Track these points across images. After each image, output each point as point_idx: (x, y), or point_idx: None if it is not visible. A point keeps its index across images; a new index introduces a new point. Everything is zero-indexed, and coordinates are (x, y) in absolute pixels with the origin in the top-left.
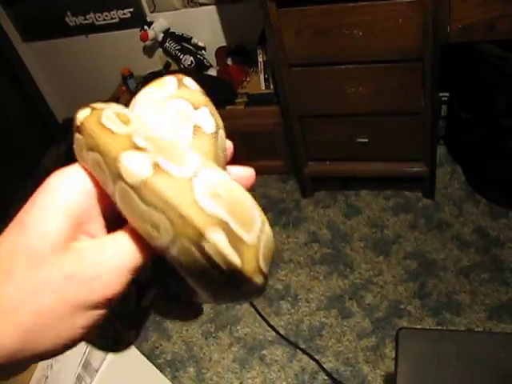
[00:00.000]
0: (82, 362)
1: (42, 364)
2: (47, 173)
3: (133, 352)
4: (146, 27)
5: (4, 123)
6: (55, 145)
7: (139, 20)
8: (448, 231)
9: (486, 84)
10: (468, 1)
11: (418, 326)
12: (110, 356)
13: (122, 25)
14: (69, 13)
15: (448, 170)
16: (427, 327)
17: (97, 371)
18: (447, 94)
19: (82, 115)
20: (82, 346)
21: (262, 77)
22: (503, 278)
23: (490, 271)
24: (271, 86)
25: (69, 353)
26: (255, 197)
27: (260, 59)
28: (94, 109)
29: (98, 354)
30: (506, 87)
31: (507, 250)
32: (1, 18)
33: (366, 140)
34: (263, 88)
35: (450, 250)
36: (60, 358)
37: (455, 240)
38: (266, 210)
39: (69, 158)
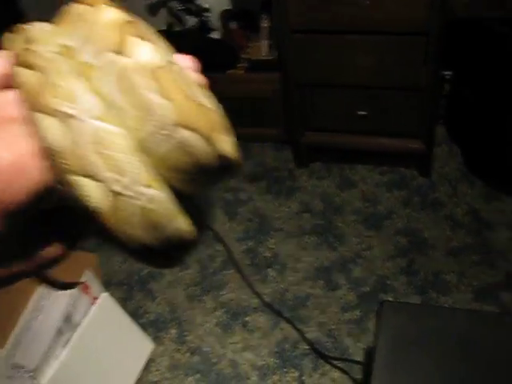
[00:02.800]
0: (64, 315)
1: (26, 315)
2: None
3: (116, 309)
4: None
5: None
6: None
7: None
8: (441, 211)
9: (492, 63)
10: None
11: None
12: (93, 311)
13: None
14: None
15: (446, 149)
16: None
17: (77, 326)
18: (450, 73)
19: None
20: (64, 298)
21: (264, 42)
22: (491, 261)
23: (480, 253)
24: (274, 53)
25: (51, 304)
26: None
27: (264, 24)
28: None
29: (80, 308)
30: None
31: (498, 234)
32: None
33: (366, 113)
34: (265, 54)
35: (442, 230)
36: (44, 308)
37: (447, 220)
38: (259, 177)
39: None
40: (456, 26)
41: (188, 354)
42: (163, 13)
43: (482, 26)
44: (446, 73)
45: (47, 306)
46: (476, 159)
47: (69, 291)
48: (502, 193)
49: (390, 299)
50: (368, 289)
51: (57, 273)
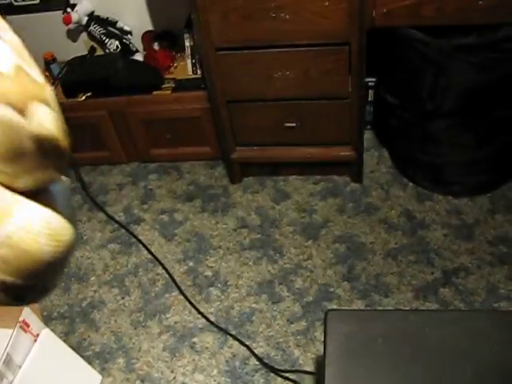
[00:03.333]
0: (4, 358)
1: None
2: None
3: (59, 345)
4: (69, 10)
5: None
6: None
7: (62, 2)
8: (376, 215)
9: (411, 69)
10: None
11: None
12: (34, 349)
13: (44, 7)
14: None
15: (375, 154)
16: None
17: (19, 367)
18: (374, 79)
19: None
20: (3, 339)
21: (189, 62)
22: (428, 259)
23: (417, 253)
24: (198, 71)
25: None
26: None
27: (187, 44)
28: None
29: (21, 347)
30: (430, 72)
31: (432, 232)
32: None
33: (294, 124)
34: (190, 73)
35: (378, 233)
36: None
37: (383, 223)
38: (194, 196)
39: None
40: (376, 34)
41: (138, 382)
42: (84, 37)
43: (399, 33)
44: (370, 79)
45: None
46: (405, 161)
47: (4, 331)
48: (433, 192)
49: (335, 307)
50: (311, 298)
51: None
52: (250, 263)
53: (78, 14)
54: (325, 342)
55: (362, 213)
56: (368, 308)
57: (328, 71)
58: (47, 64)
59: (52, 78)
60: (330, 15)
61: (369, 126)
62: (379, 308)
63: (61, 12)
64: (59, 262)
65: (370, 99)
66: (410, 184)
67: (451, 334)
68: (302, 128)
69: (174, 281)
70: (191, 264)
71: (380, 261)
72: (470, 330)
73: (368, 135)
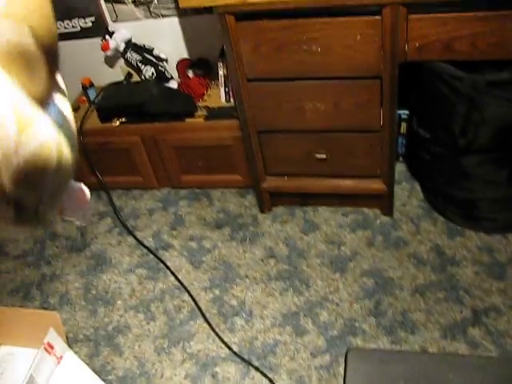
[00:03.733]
0: (27, 379)
1: None
2: None
3: (82, 368)
4: (107, 37)
5: None
6: None
7: (101, 29)
8: (405, 249)
9: (443, 103)
10: (425, 20)
11: (372, 345)
12: (57, 371)
13: (83, 34)
14: None
15: (406, 187)
16: (381, 346)
17: None
18: (407, 112)
19: None
20: (27, 360)
21: (222, 90)
22: (458, 297)
23: (445, 290)
24: (231, 100)
25: (13, 368)
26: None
27: (220, 72)
28: None
29: (44, 369)
30: (462, 107)
31: (463, 269)
32: None
33: (325, 156)
34: (223, 101)
35: (407, 268)
36: (6, 372)
37: (412, 258)
38: (223, 224)
39: None
40: (409, 67)
41: None
42: (120, 63)
43: (431, 67)
44: (403, 112)
45: (8, 369)
46: (436, 196)
47: (29, 351)
48: (465, 228)
49: (360, 343)
50: (336, 332)
51: (19, 334)
52: (276, 294)
53: (116, 41)
54: (344, 382)
55: (391, 247)
56: (394, 346)
57: (359, 104)
58: (84, 89)
59: (88, 103)
60: (362, 49)
61: (401, 158)
62: (406, 346)
63: (99, 39)
64: (57, 181)
65: (402, 131)
66: (441, 219)
67: (478, 381)
68: (332, 159)
69: (199, 308)
70: (217, 292)
71: (407, 297)
72: (499, 379)
73: (400, 167)
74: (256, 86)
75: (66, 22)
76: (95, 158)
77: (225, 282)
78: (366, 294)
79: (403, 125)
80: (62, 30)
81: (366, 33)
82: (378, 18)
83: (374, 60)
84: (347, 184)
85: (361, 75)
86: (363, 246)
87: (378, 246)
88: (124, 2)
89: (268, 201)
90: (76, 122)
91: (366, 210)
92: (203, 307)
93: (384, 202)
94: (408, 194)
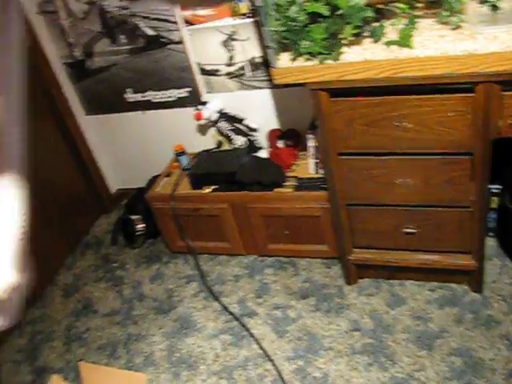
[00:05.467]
0: None
1: None
2: (96, 241)
3: None
4: (200, 107)
5: (60, 190)
6: (106, 214)
7: (195, 99)
8: (496, 329)
9: None
10: None
11: None
12: None
13: (178, 103)
14: (129, 90)
15: (498, 263)
16: None
17: None
18: (499, 186)
19: None
20: None
21: (311, 161)
22: None
23: None
24: (320, 171)
25: None
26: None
27: (310, 144)
28: None
29: None
30: None
31: None
32: (68, 92)
33: (413, 230)
34: (313, 172)
35: (499, 350)
36: None
37: (504, 339)
38: (308, 294)
39: (117, 228)
40: (502, 141)
41: None
42: (212, 132)
43: None
44: (495, 187)
45: None
46: None
47: None
48: None
49: None
50: None
51: None
52: (360, 368)
53: (209, 110)
54: None
55: (482, 326)
56: None
57: (450, 179)
58: (177, 155)
59: (180, 169)
60: (454, 126)
61: (492, 233)
62: None
63: (193, 108)
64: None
65: (493, 206)
66: None
67: None
68: (420, 233)
69: (282, 379)
70: (301, 363)
71: (500, 381)
72: None
73: (491, 243)
74: (346, 160)
75: (163, 91)
76: (185, 222)
77: (308, 353)
78: (454, 374)
79: (494, 199)
80: (159, 100)
81: (459, 109)
82: (471, 95)
83: (465, 136)
84: (435, 258)
85: (452, 151)
86: (451, 323)
87: (467, 324)
88: (218, 75)
89: (354, 273)
90: (168, 187)
91: (454, 285)
92: (286, 377)
93: (473, 278)
94: (499, 270)
